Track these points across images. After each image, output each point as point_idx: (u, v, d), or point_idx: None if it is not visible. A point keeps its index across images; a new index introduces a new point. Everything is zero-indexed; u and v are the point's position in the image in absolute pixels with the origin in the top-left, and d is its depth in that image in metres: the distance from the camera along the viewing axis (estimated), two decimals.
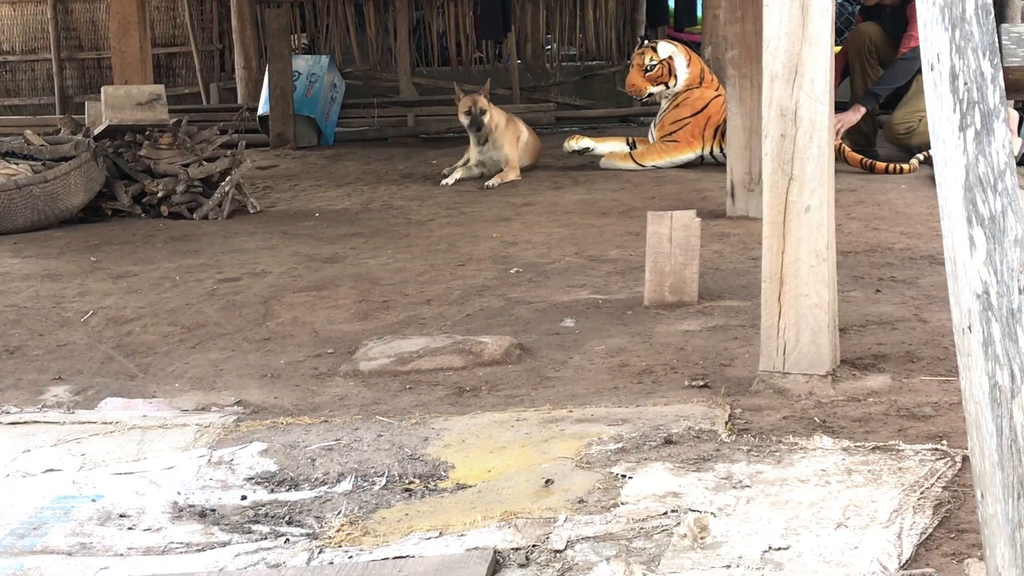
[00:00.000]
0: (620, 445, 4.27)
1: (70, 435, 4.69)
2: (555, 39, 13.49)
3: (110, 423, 4.82)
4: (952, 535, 3.47)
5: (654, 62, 10.11)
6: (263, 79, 12.24)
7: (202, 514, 4.04)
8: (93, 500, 4.14)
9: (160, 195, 8.75)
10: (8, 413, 4.97)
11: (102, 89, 9.27)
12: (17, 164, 8.54)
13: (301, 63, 12.26)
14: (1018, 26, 2.98)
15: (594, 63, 13.40)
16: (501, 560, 3.50)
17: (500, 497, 3.97)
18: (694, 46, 10.66)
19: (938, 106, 2.79)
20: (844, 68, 10.14)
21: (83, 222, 8.64)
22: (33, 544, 3.84)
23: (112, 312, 6.40)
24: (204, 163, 8.91)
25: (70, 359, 5.68)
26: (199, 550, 3.80)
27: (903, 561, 3.33)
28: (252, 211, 8.91)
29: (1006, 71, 2.82)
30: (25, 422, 4.86)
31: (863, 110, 10.07)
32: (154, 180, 8.78)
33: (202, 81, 13.51)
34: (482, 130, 9.85)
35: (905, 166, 9.49)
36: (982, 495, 2.71)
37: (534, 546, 3.57)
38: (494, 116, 10.06)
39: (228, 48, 13.43)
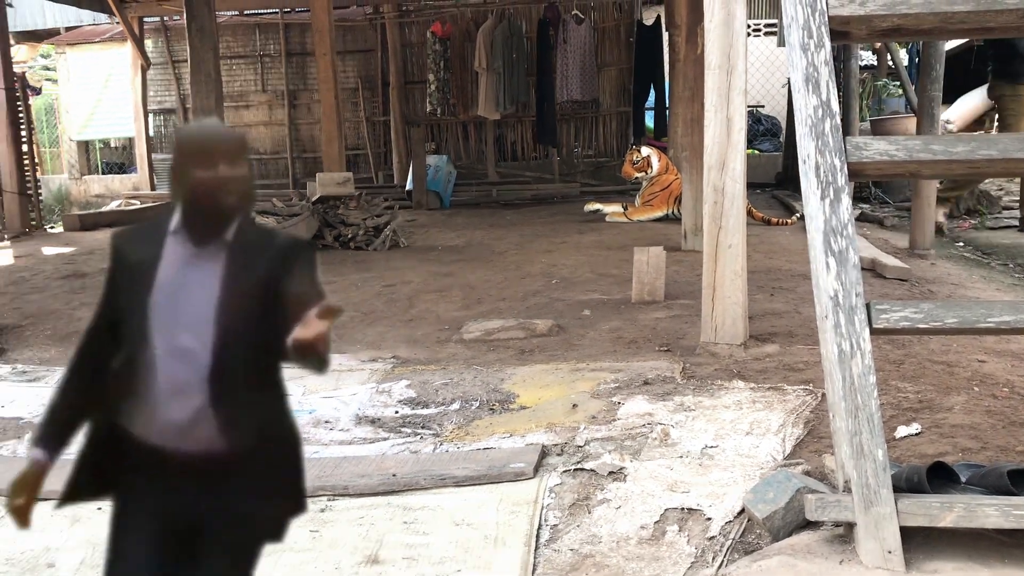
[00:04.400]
0: (617, 385, 4.21)
1: (296, 374, 4.38)
2: (581, 144, 13.50)
3: None
4: (815, 440, 3.41)
5: (639, 158, 9.96)
6: (409, 168, 12.22)
7: (372, 421, 4.04)
8: (310, 412, 4.15)
9: (349, 236, 8.74)
10: None
11: (317, 175, 9.32)
12: (268, 218, 8.59)
13: (431, 159, 12.21)
14: (856, 138, 2.89)
15: (603, 159, 13.34)
16: (546, 451, 3.49)
17: (546, 414, 3.93)
18: (663, 149, 10.49)
19: (807, 184, 2.81)
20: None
21: None
22: None
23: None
24: (375, 217, 8.91)
25: None
26: (371, 442, 3.81)
27: (785, 454, 3.31)
28: (402, 246, 8.85)
29: (849, 164, 2.80)
30: None
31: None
32: (346, 227, 8.79)
33: (373, 169, 13.49)
34: None
35: (789, 220, 9.17)
36: (833, 416, 2.70)
37: (565, 443, 3.55)
38: None
39: (389, 150, 13.51)
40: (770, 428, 3.54)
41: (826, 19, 2.88)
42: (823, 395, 3.67)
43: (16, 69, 11.16)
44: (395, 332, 5.54)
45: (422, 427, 3.94)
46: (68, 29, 13.94)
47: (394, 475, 3.31)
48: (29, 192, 10.81)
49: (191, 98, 8.93)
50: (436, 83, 12.55)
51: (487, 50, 12.08)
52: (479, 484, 3.25)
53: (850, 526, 2.60)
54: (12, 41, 11.74)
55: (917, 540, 2.53)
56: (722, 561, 2.71)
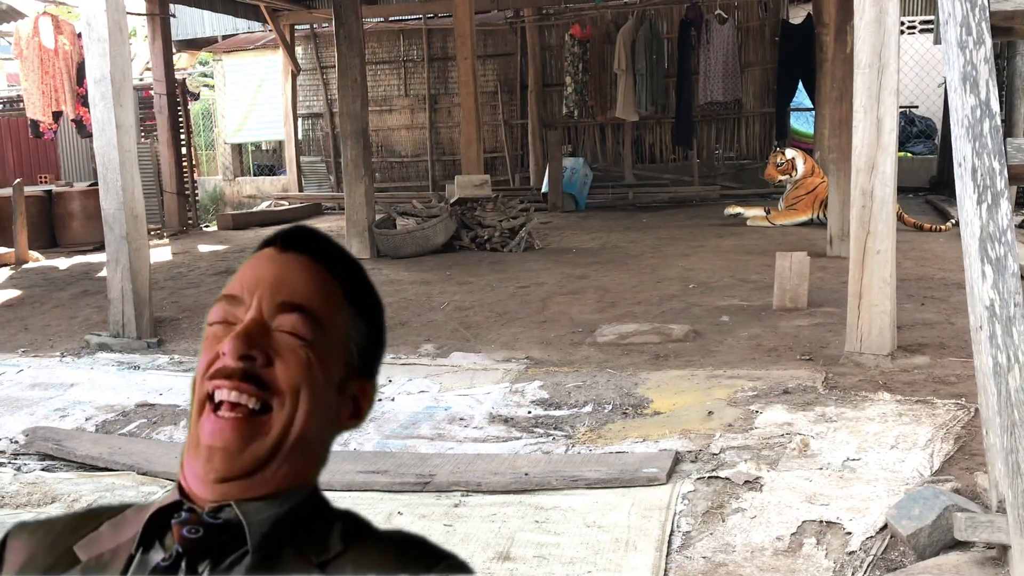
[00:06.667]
0: (755, 393, 4.18)
1: (433, 372, 4.83)
2: (721, 146, 13.28)
3: (456, 366, 4.94)
4: (966, 457, 3.33)
5: (783, 161, 9.76)
6: (545, 171, 12.31)
7: (505, 420, 4.12)
8: (445, 409, 4.26)
9: (486, 238, 8.87)
10: (400, 358, 5.13)
11: (455, 177, 9.51)
12: (408, 219, 8.83)
13: (568, 162, 12.27)
14: (1019, 139, 2.78)
15: (745, 161, 13.08)
16: (680, 457, 3.50)
17: (680, 421, 3.94)
18: (808, 151, 10.26)
19: (963, 188, 2.73)
20: None
21: (443, 252, 8.77)
22: (411, 432, 4.00)
23: (457, 303, 6.50)
24: (511, 219, 9.02)
25: (434, 329, 5.81)
26: (504, 440, 3.90)
27: (933, 471, 3.23)
28: (537, 248, 8.91)
29: (1009, 167, 2.70)
30: (410, 364, 5.03)
31: None
32: (483, 229, 8.92)
33: (510, 172, 13.63)
34: None
35: (942, 227, 8.83)
36: (986, 432, 2.62)
37: (700, 450, 3.55)
38: None
39: (525, 153, 13.65)
40: (917, 443, 3.45)
41: (987, 15, 2.78)
42: (976, 410, 3.56)
43: (177, 76, 11.87)
44: (528, 333, 5.61)
45: (554, 428, 3.99)
46: (225, 37, 14.73)
47: (526, 474, 3.36)
48: (187, 192, 11.46)
49: (338, 102, 9.28)
50: (573, 85, 12.62)
51: (627, 51, 12.06)
52: (611, 487, 3.26)
53: (1004, 548, 2.51)
54: (174, 49, 12.46)
55: None
56: None
